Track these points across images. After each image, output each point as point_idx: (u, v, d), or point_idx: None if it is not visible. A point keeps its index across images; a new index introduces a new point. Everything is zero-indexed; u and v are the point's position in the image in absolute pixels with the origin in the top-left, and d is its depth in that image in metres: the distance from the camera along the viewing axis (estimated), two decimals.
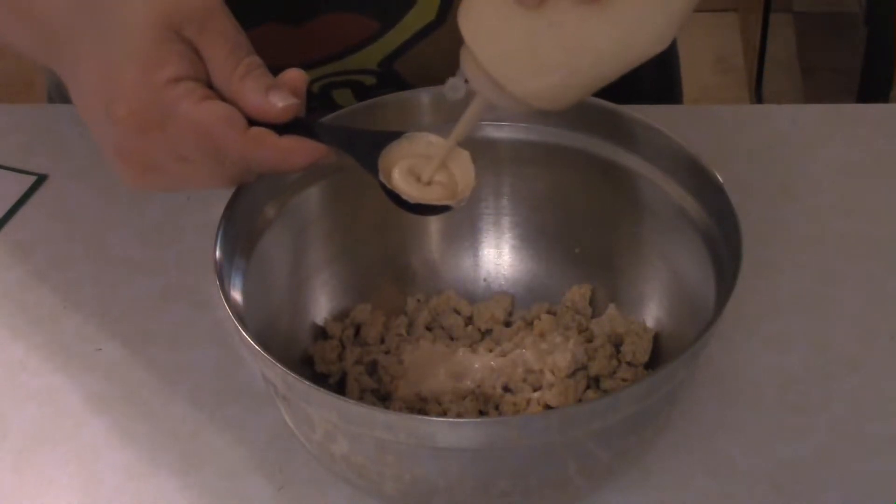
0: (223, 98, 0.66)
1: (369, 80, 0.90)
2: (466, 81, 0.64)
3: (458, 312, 0.78)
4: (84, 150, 0.94)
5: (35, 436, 0.76)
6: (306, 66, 0.87)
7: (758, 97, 2.19)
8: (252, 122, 0.65)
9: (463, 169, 0.68)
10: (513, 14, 0.60)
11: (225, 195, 0.70)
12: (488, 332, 0.78)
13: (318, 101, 0.91)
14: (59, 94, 1.03)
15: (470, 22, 0.62)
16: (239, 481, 0.73)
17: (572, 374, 0.73)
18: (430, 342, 0.76)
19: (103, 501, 0.73)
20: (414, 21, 0.86)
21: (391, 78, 0.90)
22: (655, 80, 1.00)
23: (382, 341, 0.77)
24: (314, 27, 0.85)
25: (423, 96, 0.76)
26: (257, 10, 0.84)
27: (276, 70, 0.87)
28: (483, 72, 0.62)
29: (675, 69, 1.06)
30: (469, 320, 0.78)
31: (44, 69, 1.02)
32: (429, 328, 0.78)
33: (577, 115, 0.75)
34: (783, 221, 0.86)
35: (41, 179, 0.92)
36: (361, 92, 0.91)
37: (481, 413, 0.72)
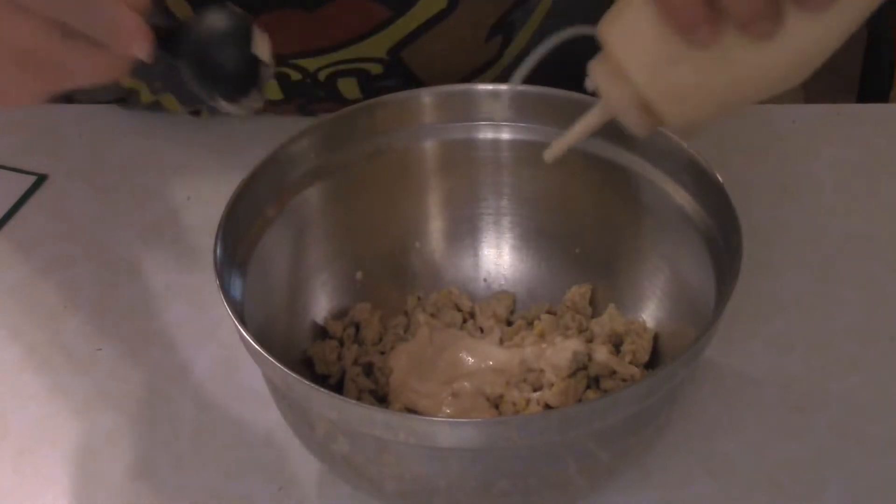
0: None
1: (376, 69, 0.90)
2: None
3: (458, 309, 0.78)
4: (84, 150, 0.94)
5: (35, 436, 0.76)
6: (317, 53, 0.88)
7: None
8: None
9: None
10: (676, 43, 0.56)
11: (225, 195, 0.70)
12: (488, 331, 0.78)
13: (323, 89, 0.91)
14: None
15: (627, 48, 0.58)
16: (239, 481, 0.73)
17: (572, 374, 0.73)
18: (427, 339, 0.76)
19: (103, 501, 0.73)
20: (425, 9, 0.86)
21: (398, 67, 0.90)
22: None
23: (381, 341, 0.77)
24: (328, 12, 0.85)
25: (424, 96, 0.76)
26: None
27: (287, 57, 0.88)
28: (629, 92, 0.58)
29: None
30: (469, 316, 0.78)
31: None
32: (431, 316, 0.78)
33: (576, 115, 0.75)
34: (783, 221, 0.86)
35: (41, 179, 0.92)
36: (366, 81, 0.91)
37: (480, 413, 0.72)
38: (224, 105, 0.61)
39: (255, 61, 0.60)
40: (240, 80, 0.61)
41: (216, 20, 0.59)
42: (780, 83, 0.58)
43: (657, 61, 0.57)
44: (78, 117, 0.97)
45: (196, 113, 0.96)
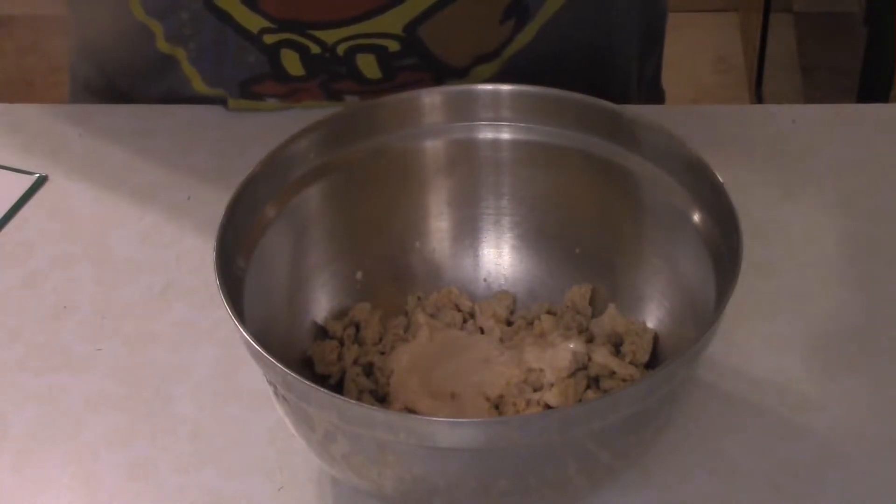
0: None
1: (393, 46, 0.90)
2: None
3: (458, 309, 0.78)
4: (84, 150, 0.94)
5: (35, 436, 0.76)
6: (333, 25, 0.88)
7: (758, 97, 2.19)
8: None
9: None
10: None
11: (225, 195, 0.70)
12: (488, 331, 0.78)
13: (344, 65, 0.91)
14: (83, 91, 1.03)
15: None
16: (239, 481, 0.73)
17: (572, 375, 0.73)
18: (427, 339, 0.76)
19: (103, 501, 0.73)
20: None
21: (415, 45, 0.90)
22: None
23: (381, 341, 0.77)
24: None
25: (424, 97, 0.76)
26: None
27: (305, 25, 0.88)
28: None
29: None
30: (469, 316, 0.78)
31: (77, 64, 1.02)
32: (430, 316, 0.78)
33: (577, 115, 0.75)
34: (783, 221, 0.86)
35: (41, 179, 0.92)
36: (385, 59, 0.91)
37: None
38: None
39: None
40: None
41: None
42: None
43: None
44: (78, 117, 0.97)
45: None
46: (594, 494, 0.71)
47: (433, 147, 0.77)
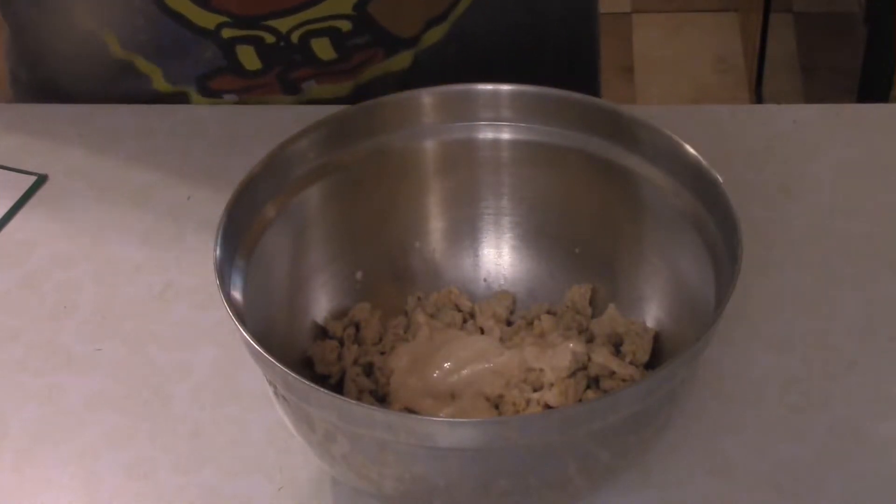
0: None
1: (346, 26, 0.91)
2: None
3: (458, 309, 0.78)
4: (84, 150, 0.94)
5: (35, 436, 0.76)
6: (288, 13, 0.89)
7: (758, 97, 2.19)
8: None
9: None
10: None
11: (225, 195, 0.70)
12: (488, 331, 0.78)
13: (299, 52, 0.92)
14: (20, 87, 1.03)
15: None
16: (239, 481, 0.73)
17: (572, 374, 0.73)
18: (427, 339, 0.76)
19: (103, 501, 0.73)
20: None
21: (366, 22, 0.91)
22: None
23: (381, 341, 0.77)
24: None
25: (424, 96, 0.76)
26: None
27: (259, 18, 0.89)
28: None
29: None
30: (469, 316, 0.78)
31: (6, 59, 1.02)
32: (430, 316, 0.78)
33: (577, 115, 0.75)
34: (783, 221, 0.86)
35: (41, 179, 0.92)
36: (338, 39, 0.92)
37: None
38: None
39: None
40: None
41: None
42: None
43: None
44: (78, 117, 0.97)
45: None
46: (594, 494, 0.71)
47: (433, 147, 0.77)
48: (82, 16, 0.93)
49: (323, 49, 0.92)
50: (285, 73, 0.94)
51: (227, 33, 0.91)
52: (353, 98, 0.94)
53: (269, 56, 0.93)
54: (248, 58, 0.93)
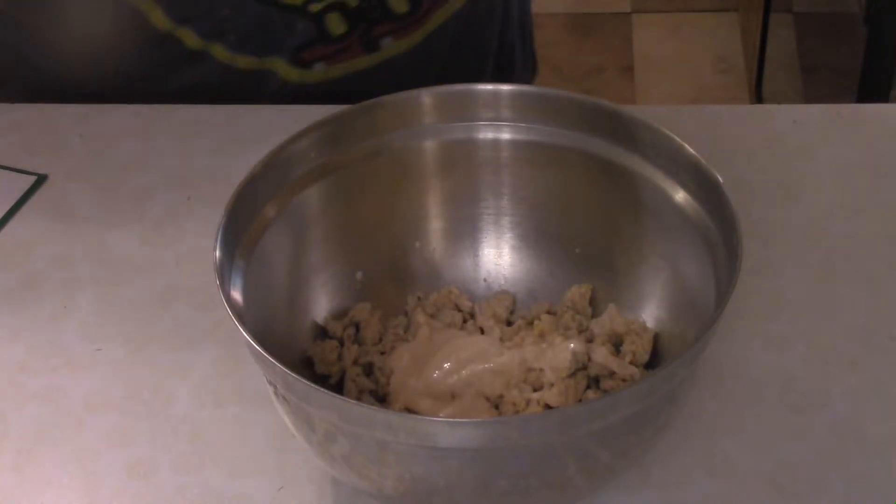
0: None
1: (353, 1, 0.94)
2: None
3: (458, 309, 0.78)
4: (84, 150, 0.94)
5: (35, 436, 0.76)
6: None
7: (758, 97, 2.19)
8: None
9: None
10: None
11: (225, 195, 0.70)
12: (488, 331, 0.78)
13: (379, 7, 0.95)
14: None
15: None
16: (239, 481, 0.73)
17: (572, 374, 0.73)
18: (427, 339, 0.76)
19: (103, 501, 0.73)
20: None
21: None
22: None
23: (381, 341, 0.77)
24: None
25: (424, 96, 0.76)
26: None
27: None
28: None
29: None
30: (469, 316, 0.78)
31: None
32: (430, 316, 0.78)
33: (577, 115, 0.75)
34: (783, 221, 0.86)
35: (41, 179, 0.92)
36: (348, 15, 0.95)
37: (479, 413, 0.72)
38: None
39: None
40: None
41: None
42: None
43: None
44: (78, 117, 0.97)
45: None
46: (594, 494, 0.71)
47: (433, 147, 0.77)
48: (157, 16, 0.94)
49: (335, 24, 0.95)
50: (367, 33, 0.97)
51: (315, 7, 0.94)
52: (424, 48, 0.98)
53: (352, 17, 0.95)
54: (334, 23, 0.95)
